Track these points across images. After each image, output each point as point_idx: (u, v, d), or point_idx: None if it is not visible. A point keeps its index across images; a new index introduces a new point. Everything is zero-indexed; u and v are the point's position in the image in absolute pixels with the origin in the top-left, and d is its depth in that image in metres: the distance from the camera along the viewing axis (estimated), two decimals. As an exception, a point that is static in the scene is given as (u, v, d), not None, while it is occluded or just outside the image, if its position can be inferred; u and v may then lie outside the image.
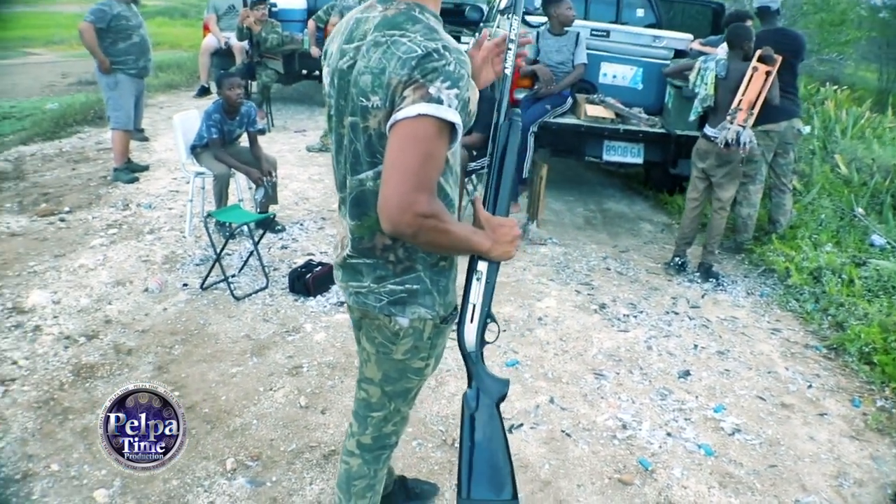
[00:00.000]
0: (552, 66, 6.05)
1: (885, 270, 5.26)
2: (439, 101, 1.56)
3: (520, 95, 6.28)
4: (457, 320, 1.95)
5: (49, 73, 16.08)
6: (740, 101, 5.11)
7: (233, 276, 4.86)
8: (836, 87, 12.87)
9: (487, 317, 1.93)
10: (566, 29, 6.10)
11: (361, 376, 2.09)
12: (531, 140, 5.89)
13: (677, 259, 5.62)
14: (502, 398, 1.97)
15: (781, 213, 6.17)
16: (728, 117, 5.10)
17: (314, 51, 9.49)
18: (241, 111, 5.45)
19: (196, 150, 5.45)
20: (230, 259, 5.18)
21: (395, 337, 1.92)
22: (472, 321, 1.91)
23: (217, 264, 4.66)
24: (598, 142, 6.29)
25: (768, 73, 5.11)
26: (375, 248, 1.86)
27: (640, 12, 8.40)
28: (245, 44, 9.29)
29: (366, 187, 1.77)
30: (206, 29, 10.48)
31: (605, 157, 6.36)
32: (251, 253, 4.97)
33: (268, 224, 5.32)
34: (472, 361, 1.94)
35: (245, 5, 9.23)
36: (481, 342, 1.93)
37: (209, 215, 4.98)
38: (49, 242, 5.47)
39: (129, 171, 7.09)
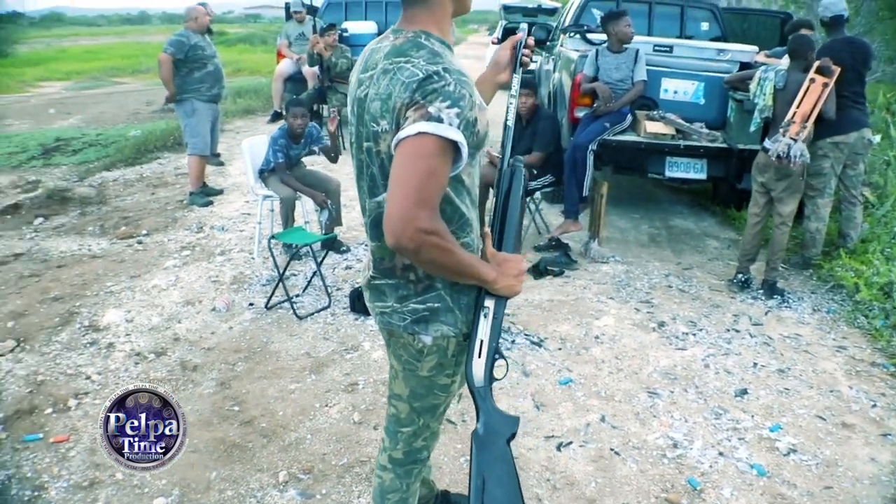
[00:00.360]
0: (611, 83, 6.06)
1: (960, 286, 5.10)
2: (439, 120, 1.62)
3: (580, 114, 6.31)
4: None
5: (134, 101, 16.74)
6: (794, 112, 5.05)
7: (297, 295, 5.02)
8: (919, 95, 12.50)
9: (496, 353, 1.92)
10: (625, 46, 6.11)
11: (391, 392, 2.15)
12: (590, 158, 5.91)
13: (740, 276, 5.55)
14: (512, 436, 1.95)
15: (852, 226, 6.04)
16: (781, 129, 5.04)
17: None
18: (305, 134, 5.63)
19: (264, 173, 5.65)
20: (295, 279, 5.35)
21: (419, 354, 1.97)
22: (479, 357, 1.90)
23: (281, 284, 4.84)
24: (660, 158, 6.27)
25: (825, 86, 5.03)
26: (396, 267, 1.92)
27: (704, 25, 8.35)
28: (316, 69, 9.54)
29: (383, 209, 1.76)
30: (280, 55, 10.80)
31: (668, 174, 6.33)
32: (314, 273, 5.12)
33: (331, 244, 5.47)
34: (481, 397, 1.92)
35: (315, 32, 9.50)
36: (490, 378, 1.91)
37: (273, 237, 5.16)
38: (126, 264, 5.74)
39: (205, 195, 7.38)
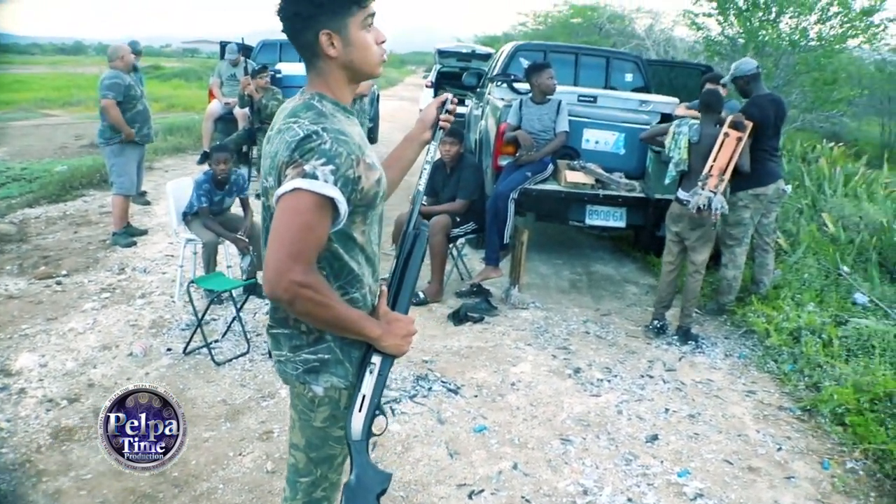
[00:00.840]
0: (533, 133, 6.21)
1: (865, 329, 5.31)
2: (314, 177, 1.70)
3: (503, 162, 6.45)
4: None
5: (63, 134, 16.45)
6: (711, 166, 5.25)
7: (215, 341, 5.00)
8: (834, 143, 13.05)
9: (377, 409, 1.97)
10: (548, 97, 6.28)
11: (290, 442, 2.15)
12: (511, 207, 6.03)
13: (656, 322, 5.71)
14: (383, 492, 2.00)
15: (765, 272, 6.27)
16: (700, 183, 5.22)
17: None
18: (230, 180, 5.64)
19: (187, 217, 5.64)
20: (215, 324, 5.32)
21: (312, 404, 1.99)
22: (360, 411, 1.94)
23: (199, 330, 4.81)
24: (581, 207, 6.44)
25: (739, 140, 5.25)
26: (289, 317, 1.94)
27: (628, 76, 8.64)
28: (247, 110, 9.55)
29: None
30: (212, 95, 10.78)
31: (588, 222, 6.50)
32: (234, 318, 5.10)
33: (253, 289, 5.46)
34: (356, 451, 1.97)
35: (246, 73, 9.52)
36: (368, 433, 1.96)
37: (193, 282, 5.13)
38: (43, 306, 5.63)
39: (128, 235, 7.30)
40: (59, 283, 6.15)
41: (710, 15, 14.19)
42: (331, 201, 1.73)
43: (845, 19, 12.62)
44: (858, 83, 16.58)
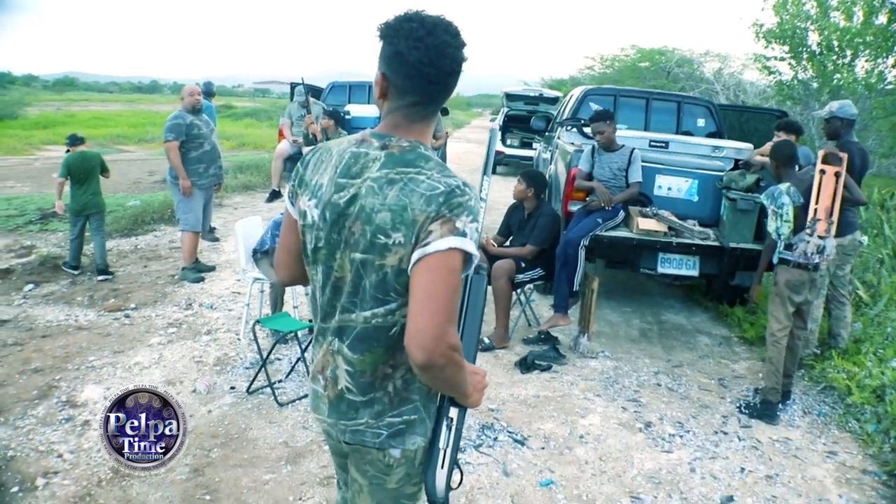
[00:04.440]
0: (604, 181, 6.12)
1: (955, 390, 5.01)
2: (464, 235, 1.65)
3: (573, 208, 6.35)
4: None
5: (137, 169, 16.88)
6: (815, 209, 4.89)
7: (279, 381, 4.95)
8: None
9: (455, 463, 1.90)
10: (620, 144, 6.20)
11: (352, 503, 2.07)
12: (582, 254, 5.91)
13: (784, 400, 5.24)
14: None
15: (842, 325, 6.01)
16: (807, 230, 4.88)
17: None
18: None
19: (257, 255, 5.63)
20: (280, 364, 5.28)
21: (388, 468, 1.91)
22: (442, 467, 1.87)
23: (263, 369, 4.76)
24: (653, 254, 6.28)
25: (838, 175, 4.94)
26: (375, 381, 1.85)
27: (700, 121, 8.48)
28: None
29: (372, 324, 1.80)
30: (281, 135, 10.92)
31: (660, 270, 6.33)
32: (299, 359, 5.06)
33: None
34: None
35: (308, 113, 9.64)
36: (448, 488, 1.89)
37: (258, 322, 5.10)
38: (111, 338, 5.69)
39: (196, 270, 7.36)
40: (127, 317, 6.22)
41: (782, 59, 13.97)
42: (470, 259, 1.71)
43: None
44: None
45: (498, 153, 17.68)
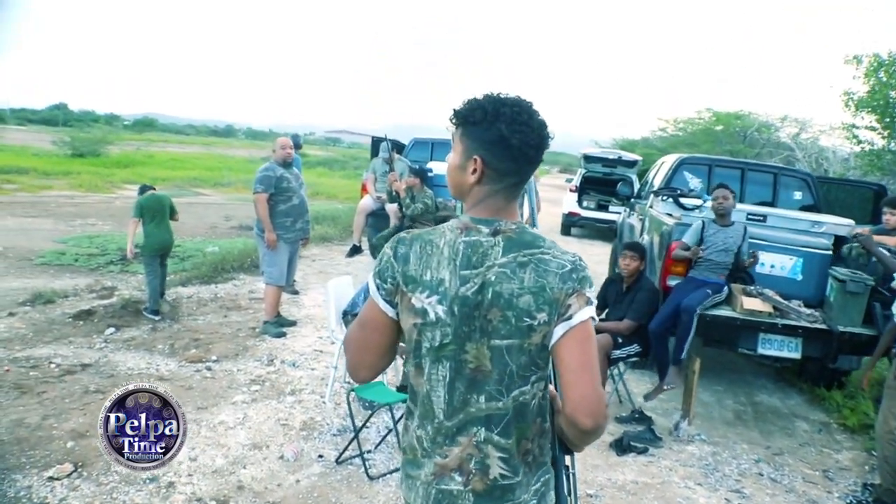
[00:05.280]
0: (714, 258, 5.94)
1: None
2: (593, 303, 1.78)
3: (672, 282, 6.13)
4: None
5: (214, 214, 17.12)
6: None
7: (369, 451, 4.76)
8: None
9: None
10: (732, 220, 6.00)
11: None
12: (695, 322, 5.69)
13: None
14: None
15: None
16: None
17: (467, 217, 9.73)
18: None
19: (347, 316, 5.50)
20: (367, 432, 5.09)
21: None
22: None
23: (355, 440, 4.59)
24: (753, 334, 5.97)
25: None
26: (523, 457, 1.85)
27: (797, 194, 8.19)
28: (396, 206, 9.57)
29: (519, 401, 1.81)
30: (365, 189, 10.89)
31: (760, 351, 6.01)
32: (390, 430, 4.88)
33: (410, 400, 5.22)
34: None
35: (391, 170, 9.60)
36: None
37: (353, 390, 4.92)
38: (194, 392, 5.60)
39: (278, 325, 7.28)
40: (208, 369, 6.14)
41: (872, 128, 13.57)
42: None
43: None
44: None
45: (573, 215, 17.49)
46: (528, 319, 1.74)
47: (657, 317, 5.80)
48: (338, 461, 4.61)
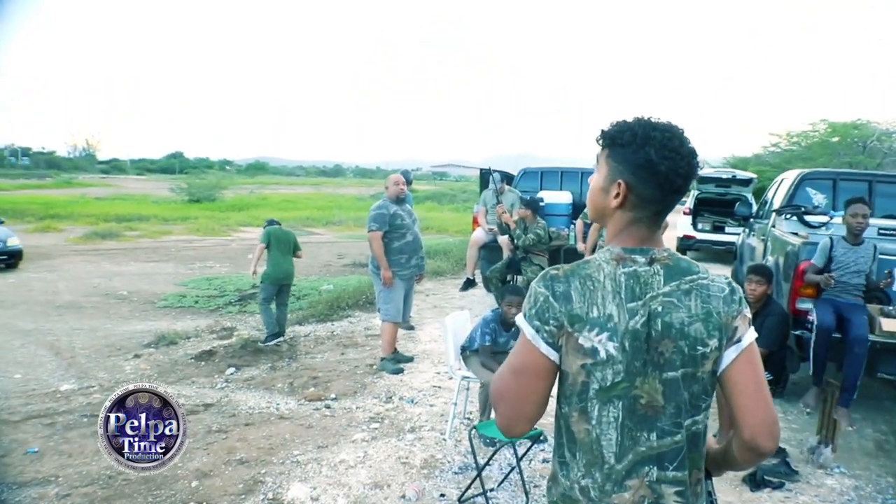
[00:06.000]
0: (846, 279, 5.61)
1: None
2: (752, 324, 1.77)
3: (801, 305, 5.82)
4: None
5: (327, 252, 17.46)
6: None
7: (491, 489, 4.64)
8: None
9: None
10: (863, 238, 5.67)
11: None
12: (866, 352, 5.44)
13: None
14: None
15: None
16: None
17: (580, 246, 9.56)
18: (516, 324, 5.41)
19: (465, 352, 5.44)
20: (489, 469, 4.97)
21: None
22: None
23: (479, 478, 4.48)
24: (893, 358, 5.61)
25: None
26: (697, 485, 1.81)
27: None
28: (507, 238, 9.51)
29: (692, 431, 1.76)
30: (476, 222, 10.88)
31: None
32: (513, 468, 4.75)
33: (536, 438, 5.09)
34: None
35: (498, 202, 9.56)
36: None
37: (475, 428, 4.82)
38: (314, 430, 5.62)
39: (395, 361, 7.29)
40: (328, 407, 6.17)
41: None
42: None
43: None
44: None
45: (688, 238, 16.99)
46: (701, 347, 1.71)
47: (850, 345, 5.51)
48: (460, 500, 4.51)
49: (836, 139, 24.75)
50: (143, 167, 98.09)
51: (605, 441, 1.73)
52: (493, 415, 2.16)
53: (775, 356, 5.53)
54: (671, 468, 1.73)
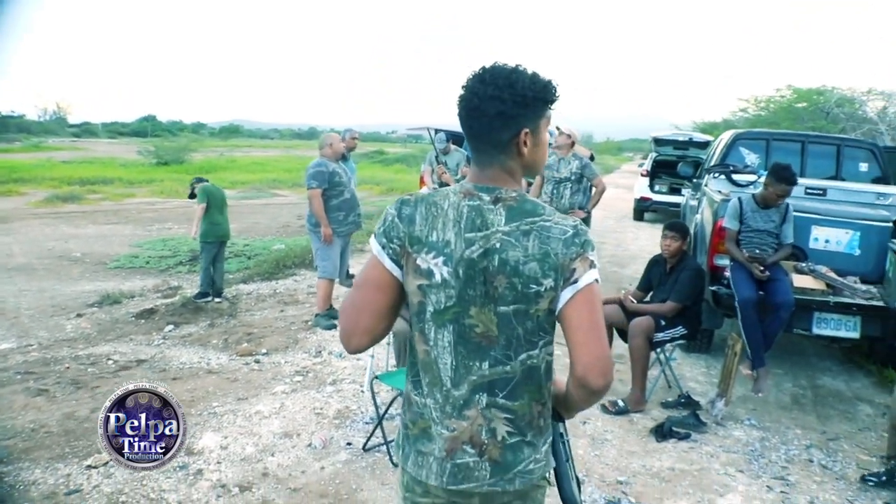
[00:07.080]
0: (751, 238, 5.66)
1: None
2: (596, 266, 1.79)
3: (719, 261, 5.92)
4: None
5: (288, 213, 17.41)
6: None
7: (392, 440, 4.73)
8: None
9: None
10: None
11: None
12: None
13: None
14: None
15: None
16: None
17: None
18: None
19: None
20: (397, 420, 5.06)
21: (542, 496, 1.96)
22: (572, 479, 2.00)
23: (380, 427, 4.58)
24: (807, 314, 5.71)
25: None
26: (532, 419, 1.86)
27: (863, 166, 7.80)
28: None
29: (527, 365, 1.82)
30: (423, 182, 10.93)
31: (815, 331, 5.76)
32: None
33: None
34: None
35: (439, 162, 9.63)
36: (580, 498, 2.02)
37: (377, 377, 4.88)
38: (238, 384, 5.70)
39: (330, 317, 7.34)
40: (257, 362, 6.25)
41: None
42: None
43: None
44: None
45: (645, 199, 17.10)
46: (534, 286, 1.75)
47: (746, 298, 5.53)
48: (364, 448, 4.61)
49: (801, 105, 24.86)
50: (115, 130, 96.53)
51: (441, 364, 1.83)
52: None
53: (690, 311, 5.61)
54: (501, 395, 1.82)
